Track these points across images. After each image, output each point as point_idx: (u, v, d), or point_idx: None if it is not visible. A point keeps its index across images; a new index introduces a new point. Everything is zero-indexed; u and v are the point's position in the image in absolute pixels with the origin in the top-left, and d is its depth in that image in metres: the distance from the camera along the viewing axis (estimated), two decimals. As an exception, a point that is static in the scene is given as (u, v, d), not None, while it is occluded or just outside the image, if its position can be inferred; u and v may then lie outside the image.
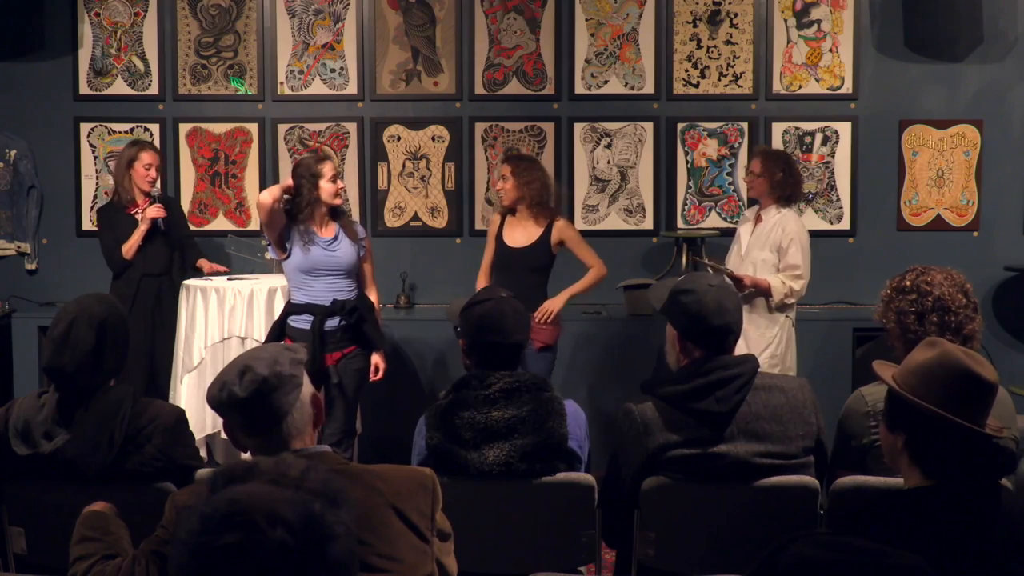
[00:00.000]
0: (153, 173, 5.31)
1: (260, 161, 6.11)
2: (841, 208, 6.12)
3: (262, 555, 1.22)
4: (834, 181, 6.11)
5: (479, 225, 6.06)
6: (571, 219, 6.06)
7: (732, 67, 6.07)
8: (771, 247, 4.92)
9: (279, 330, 4.44)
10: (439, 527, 2.19)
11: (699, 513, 2.75)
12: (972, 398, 2.07)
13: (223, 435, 4.66)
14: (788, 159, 5.17)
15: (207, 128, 6.11)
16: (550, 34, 6.05)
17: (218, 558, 1.22)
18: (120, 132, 6.11)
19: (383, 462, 2.22)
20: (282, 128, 6.09)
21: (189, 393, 4.99)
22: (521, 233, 4.94)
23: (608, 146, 6.11)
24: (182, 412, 2.85)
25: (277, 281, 5.13)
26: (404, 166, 6.13)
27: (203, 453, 4.66)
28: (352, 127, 6.10)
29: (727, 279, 4.83)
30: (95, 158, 6.12)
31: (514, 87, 6.08)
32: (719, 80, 6.08)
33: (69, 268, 6.07)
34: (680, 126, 6.10)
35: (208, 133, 6.12)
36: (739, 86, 6.08)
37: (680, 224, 6.11)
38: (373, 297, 4.59)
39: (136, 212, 5.28)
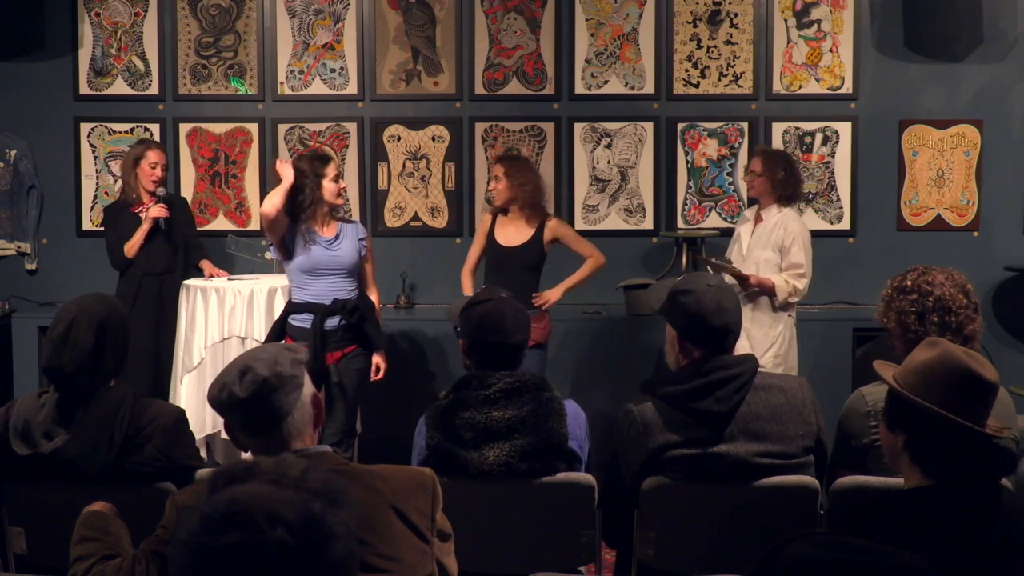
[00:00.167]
0: (159, 172, 5.34)
1: (260, 161, 6.11)
2: (841, 208, 6.12)
3: (262, 555, 1.22)
4: (834, 181, 6.11)
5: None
6: (571, 219, 6.07)
7: (732, 67, 6.07)
8: (773, 246, 4.93)
9: (280, 329, 4.45)
10: (439, 527, 2.18)
11: (699, 513, 2.74)
12: (973, 398, 2.07)
13: (223, 435, 4.67)
14: (789, 159, 5.18)
15: (207, 128, 6.12)
16: (550, 34, 6.05)
17: (218, 558, 1.22)
18: (120, 132, 6.11)
19: (383, 462, 2.22)
20: (282, 128, 6.09)
21: (189, 393, 4.99)
22: (513, 232, 4.96)
23: (608, 146, 6.11)
24: (182, 412, 2.85)
25: (277, 281, 5.13)
26: (404, 166, 6.13)
27: (203, 453, 4.66)
28: (352, 127, 6.10)
29: (732, 278, 4.86)
30: (95, 158, 6.12)
31: (514, 87, 6.08)
32: (719, 80, 6.08)
33: (69, 268, 6.07)
34: (680, 126, 6.10)
35: (208, 133, 6.12)
36: (739, 86, 6.08)
37: (680, 224, 6.11)
38: (374, 297, 4.59)
39: (141, 211, 5.29)
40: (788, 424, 2.72)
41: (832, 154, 6.11)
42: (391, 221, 6.15)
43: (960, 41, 6.00)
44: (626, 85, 6.08)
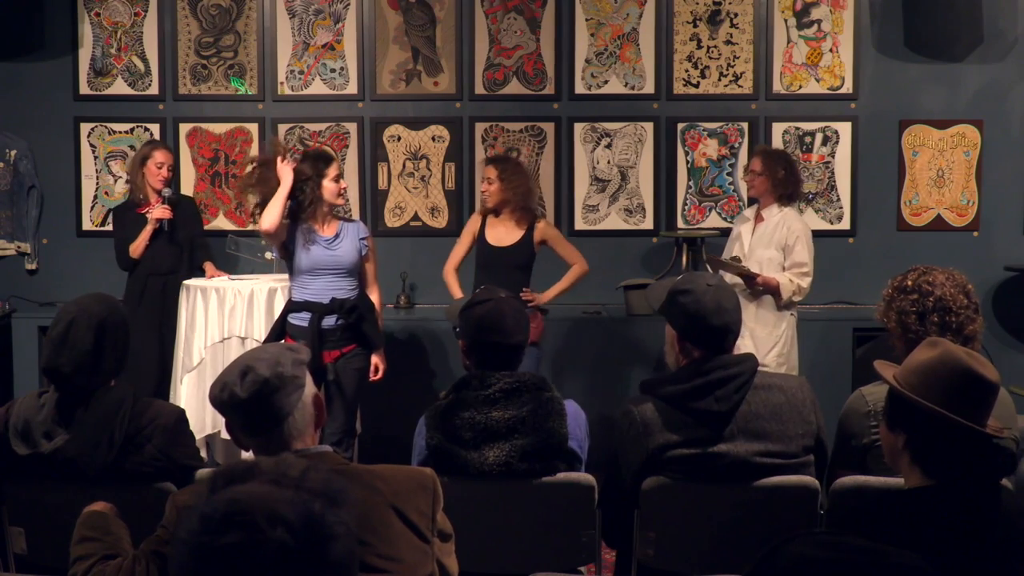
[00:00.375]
0: (165, 172, 5.36)
1: (260, 161, 6.10)
2: (841, 208, 6.12)
3: (262, 555, 1.22)
4: (834, 181, 6.11)
5: (479, 225, 6.06)
6: (571, 219, 6.08)
7: (732, 67, 6.07)
8: (776, 245, 4.94)
9: (280, 328, 4.46)
10: (440, 527, 2.18)
11: (699, 513, 2.74)
12: (973, 398, 2.07)
13: (223, 435, 4.68)
14: (789, 158, 5.20)
15: (207, 128, 6.12)
16: (550, 34, 6.05)
17: (218, 558, 1.22)
18: (120, 132, 6.11)
19: (383, 462, 2.22)
20: (282, 128, 6.09)
21: (189, 393, 4.99)
22: (504, 233, 5.00)
23: (608, 146, 6.10)
24: (182, 412, 2.85)
25: (277, 281, 5.13)
26: (404, 166, 6.13)
27: (203, 453, 4.66)
28: (352, 127, 6.10)
29: (738, 277, 4.87)
30: (95, 158, 6.12)
31: (514, 87, 6.08)
32: (719, 80, 6.08)
33: (69, 268, 6.07)
34: (680, 126, 6.10)
35: (208, 133, 6.12)
36: (739, 86, 6.08)
37: (680, 224, 6.11)
38: (375, 296, 4.60)
39: (147, 211, 5.31)
40: (788, 423, 2.72)
41: (832, 154, 6.10)
42: (391, 221, 6.15)
43: (960, 41, 6.00)
44: (626, 85, 6.08)
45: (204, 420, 4.87)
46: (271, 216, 4.32)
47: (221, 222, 6.12)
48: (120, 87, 6.10)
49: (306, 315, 4.38)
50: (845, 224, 6.12)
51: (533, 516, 2.79)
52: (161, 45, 6.08)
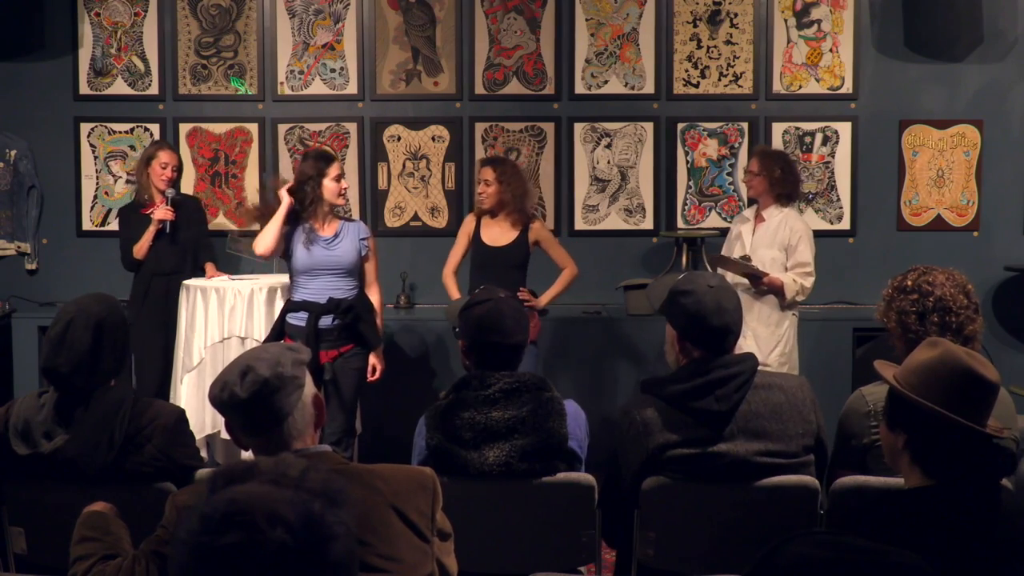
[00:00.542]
0: (169, 173, 5.37)
1: (260, 161, 6.11)
2: (841, 208, 6.12)
3: (262, 555, 1.22)
4: (834, 181, 6.11)
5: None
6: (571, 219, 6.08)
7: (732, 67, 6.07)
8: (779, 246, 4.95)
9: (280, 328, 4.46)
10: (439, 527, 2.18)
11: (699, 513, 2.74)
12: (974, 398, 2.07)
13: (223, 435, 4.67)
14: (786, 157, 5.20)
15: (207, 128, 6.12)
16: (550, 34, 6.05)
17: (218, 558, 1.22)
18: (120, 132, 6.11)
19: (383, 462, 2.22)
20: (282, 128, 6.09)
21: (189, 393, 4.99)
22: (499, 233, 5.03)
23: (608, 146, 6.10)
24: (182, 412, 2.85)
25: (277, 281, 5.13)
26: (404, 166, 6.13)
27: (203, 453, 4.66)
28: (352, 127, 6.10)
29: (742, 277, 4.87)
30: (95, 158, 6.12)
31: (514, 87, 6.08)
32: (719, 80, 6.08)
33: (69, 268, 6.07)
34: (680, 126, 6.10)
35: (208, 133, 6.12)
36: (739, 86, 6.08)
37: (680, 224, 6.11)
38: (375, 296, 4.59)
39: (151, 212, 5.32)
40: (788, 423, 2.72)
41: (832, 154, 6.10)
42: (391, 221, 6.15)
43: (960, 41, 6.00)
44: (626, 85, 6.08)
45: (204, 420, 4.87)
46: (267, 242, 4.38)
47: (221, 222, 6.11)
48: (120, 87, 6.10)
49: (304, 315, 4.38)
50: (845, 224, 6.12)
51: (533, 516, 2.79)
52: (161, 45, 6.08)
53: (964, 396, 2.06)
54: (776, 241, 4.96)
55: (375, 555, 2.02)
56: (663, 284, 2.97)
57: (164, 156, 5.38)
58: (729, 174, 6.11)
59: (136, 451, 2.70)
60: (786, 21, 6.07)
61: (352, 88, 6.09)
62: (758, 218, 5.08)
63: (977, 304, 2.84)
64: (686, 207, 6.13)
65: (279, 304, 4.90)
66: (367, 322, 4.45)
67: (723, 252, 5.22)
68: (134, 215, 5.41)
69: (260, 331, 4.92)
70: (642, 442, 2.70)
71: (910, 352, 2.23)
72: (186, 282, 5.24)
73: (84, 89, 6.10)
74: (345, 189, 4.53)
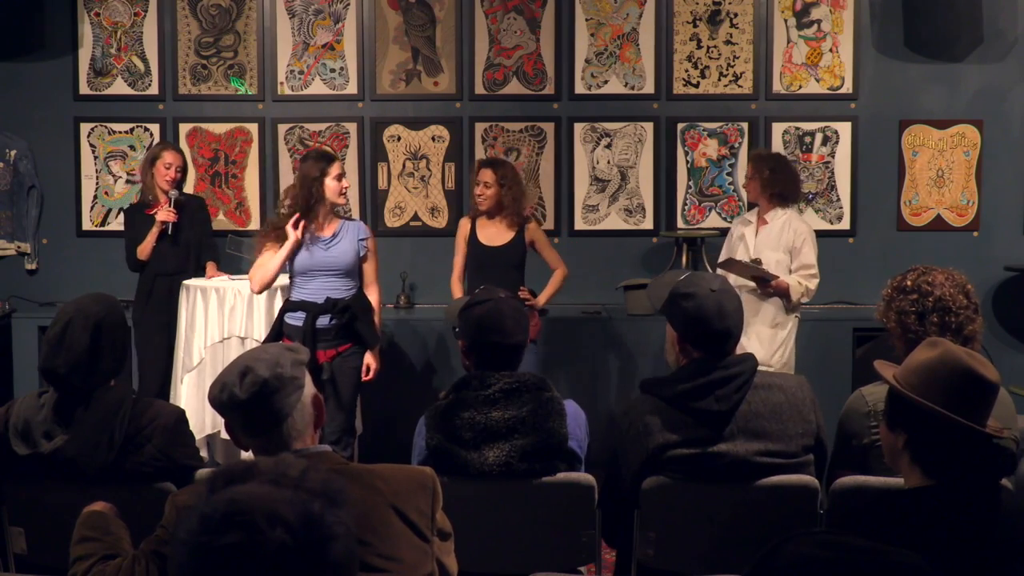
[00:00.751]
0: (173, 173, 5.37)
1: (260, 161, 6.11)
2: (841, 208, 6.12)
3: (262, 555, 1.22)
4: (834, 181, 6.11)
5: (479, 225, 6.06)
6: (571, 219, 6.08)
7: (732, 67, 6.07)
8: (783, 248, 4.94)
9: (279, 328, 4.46)
10: (439, 527, 2.18)
11: (699, 513, 2.74)
12: (973, 398, 2.07)
13: (223, 435, 4.68)
14: (777, 158, 5.19)
15: (207, 128, 6.12)
16: (550, 34, 6.05)
17: (218, 558, 1.22)
18: (120, 132, 6.11)
19: (383, 462, 2.22)
20: (282, 128, 6.09)
21: (189, 393, 4.99)
22: (495, 233, 5.06)
23: (608, 146, 6.10)
24: (182, 412, 2.85)
25: (277, 281, 5.13)
26: (404, 166, 6.13)
27: (203, 453, 4.66)
28: (352, 127, 6.10)
29: (749, 279, 4.87)
30: (95, 158, 6.12)
31: (514, 87, 6.08)
32: (719, 80, 6.08)
33: (69, 268, 6.07)
34: (680, 126, 6.10)
35: (208, 133, 6.12)
36: (739, 86, 6.08)
37: (680, 224, 6.11)
38: (374, 296, 4.59)
39: (155, 212, 5.32)
40: (788, 423, 2.72)
41: (832, 154, 6.10)
42: (391, 221, 6.15)
43: (960, 41, 6.00)
44: (626, 85, 6.08)
45: (204, 420, 4.87)
46: (264, 278, 4.42)
47: (221, 222, 6.11)
48: (120, 87, 6.10)
49: (301, 315, 4.39)
50: (845, 224, 6.12)
51: (533, 516, 2.79)
52: (161, 45, 6.08)
53: (964, 396, 2.06)
54: (780, 243, 4.95)
55: (375, 555, 2.02)
56: (663, 284, 2.97)
57: (169, 156, 5.38)
58: (729, 174, 6.11)
59: (136, 451, 2.70)
60: (786, 21, 6.07)
61: (352, 88, 6.09)
62: (760, 220, 5.08)
63: (977, 304, 2.84)
64: (686, 207, 6.13)
65: (279, 304, 4.90)
66: (364, 321, 4.45)
67: (723, 253, 5.22)
68: (139, 215, 5.42)
69: (260, 331, 4.93)
70: (642, 442, 2.70)
71: (910, 352, 2.23)
72: (186, 282, 5.24)
73: (84, 89, 6.10)
74: (346, 188, 4.53)
